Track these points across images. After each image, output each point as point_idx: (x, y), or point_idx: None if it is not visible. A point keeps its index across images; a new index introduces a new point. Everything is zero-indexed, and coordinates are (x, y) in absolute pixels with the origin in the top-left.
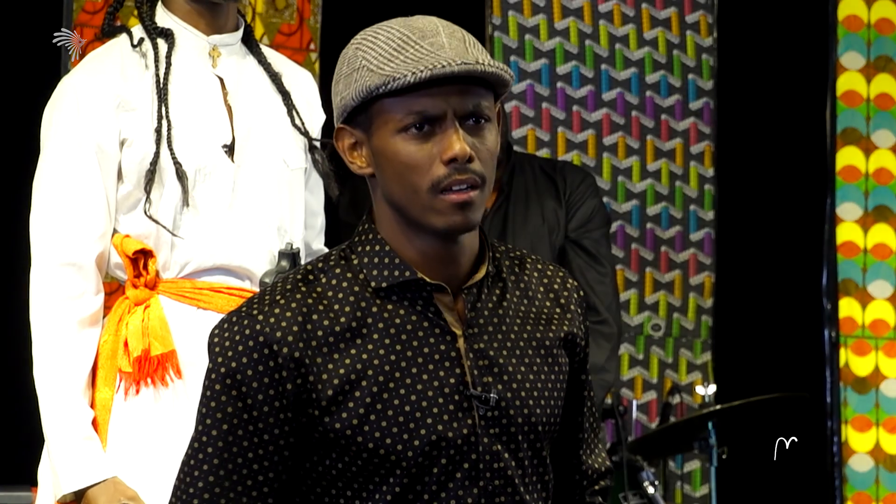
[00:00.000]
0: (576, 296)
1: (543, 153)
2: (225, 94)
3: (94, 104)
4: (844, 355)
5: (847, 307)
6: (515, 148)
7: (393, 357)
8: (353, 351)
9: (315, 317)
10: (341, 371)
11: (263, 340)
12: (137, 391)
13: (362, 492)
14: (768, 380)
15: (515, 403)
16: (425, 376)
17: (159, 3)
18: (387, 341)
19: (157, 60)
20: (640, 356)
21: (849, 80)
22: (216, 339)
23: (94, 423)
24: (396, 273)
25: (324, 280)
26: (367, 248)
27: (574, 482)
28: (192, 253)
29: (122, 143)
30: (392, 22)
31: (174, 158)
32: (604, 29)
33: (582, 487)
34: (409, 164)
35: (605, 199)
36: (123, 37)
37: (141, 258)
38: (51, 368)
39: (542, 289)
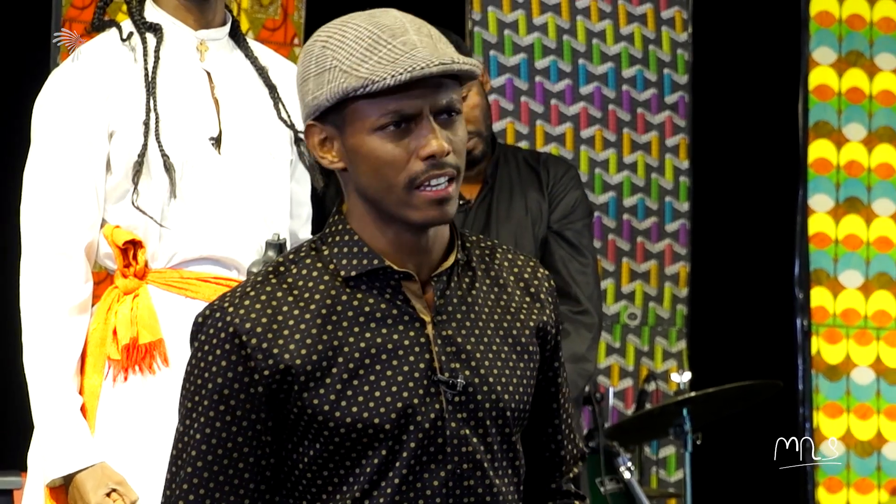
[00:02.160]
0: (546, 284)
1: (522, 146)
2: (212, 88)
3: (84, 97)
4: (816, 344)
5: (819, 296)
6: (499, 140)
7: (363, 344)
8: (324, 336)
9: (286, 308)
10: (314, 357)
11: (233, 331)
12: (125, 378)
13: (340, 469)
14: (742, 367)
15: (483, 389)
16: (395, 361)
17: None
18: (356, 329)
19: (145, 54)
20: (617, 344)
21: (821, 75)
22: (196, 332)
23: (83, 409)
24: (365, 262)
25: (294, 270)
26: (338, 238)
27: (549, 468)
28: (179, 243)
29: (110, 135)
30: (356, 18)
31: (161, 151)
32: (581, 24)
33: (560, 473)
34: (385, 161)
35: None
36: (113, 31)
37: (131, 248)
38: (40, 355)
39: (512, 278)
